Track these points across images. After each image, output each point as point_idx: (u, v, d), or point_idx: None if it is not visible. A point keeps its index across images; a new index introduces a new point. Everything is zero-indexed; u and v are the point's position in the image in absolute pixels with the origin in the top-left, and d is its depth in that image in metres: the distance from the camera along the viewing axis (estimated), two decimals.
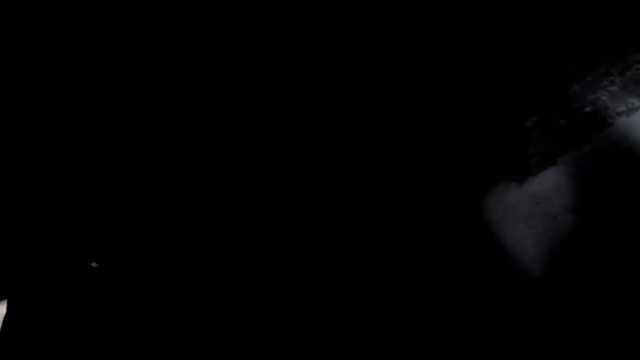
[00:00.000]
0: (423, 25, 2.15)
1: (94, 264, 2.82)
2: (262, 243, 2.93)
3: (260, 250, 2.93)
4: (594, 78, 1.99)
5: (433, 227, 2.38)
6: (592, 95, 2.01)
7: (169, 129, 2.69)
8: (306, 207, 2.83)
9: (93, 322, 2.66)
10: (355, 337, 2.38)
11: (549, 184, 2.09)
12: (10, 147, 2.66)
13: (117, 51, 2.31)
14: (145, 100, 2.53)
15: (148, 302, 2.87)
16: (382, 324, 2.31)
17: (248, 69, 2.42)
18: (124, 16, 2.14)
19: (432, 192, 2.46)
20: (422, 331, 2.19)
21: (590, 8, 1.87)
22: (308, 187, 2.85)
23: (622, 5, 1.80)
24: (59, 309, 2.51)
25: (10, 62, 2.34)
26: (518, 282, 1.98)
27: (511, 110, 2.19)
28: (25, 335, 2.39)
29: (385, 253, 2.46)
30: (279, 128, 2.71)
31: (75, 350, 2.53)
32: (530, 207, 2.08)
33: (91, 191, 2.92)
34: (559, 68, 1.99)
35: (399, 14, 2.13)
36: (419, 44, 2.23)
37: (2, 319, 2.88)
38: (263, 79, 2.46)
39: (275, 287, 2.74)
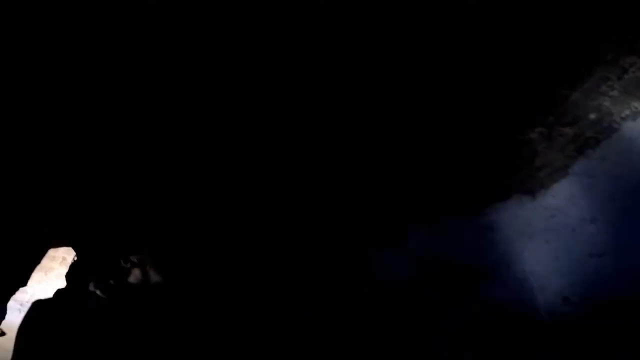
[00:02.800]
0: (423, 44, 2.20)
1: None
2: (261, 242, 2.88)
3: (260, 249, 2.87)
4: (592, 84, 1.98)
5: (446, 246, 2.32)
6: (594, 101, 1.98)
7: (169, 129, 2.70)
8: (308, 205, 2.77)
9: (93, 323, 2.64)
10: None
11: (563, 196, 2.04)
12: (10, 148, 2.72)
13: (117, 53, 2.31)
14: (146, 101, 2.55)
15: (148, 304, 2.84)
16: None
17: (247, 69, 2.39)
18: (125, 18, 2.16)
19: (446, 210, 2.41)
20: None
21: (578, 14, 1.87)
22: (310, 185, 2.79)
23: (609, 9, 1.80)
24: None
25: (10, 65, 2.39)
26: (538, 301, 1.88)
27: (514, 122, 2.15)
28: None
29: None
30: (277, 128, 2.66)
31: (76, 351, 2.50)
32: (546, 221, 2.02)
33: (90, 191, 2.97)
34: (553, 76, 1.98)
35: (400, 21, 2.11)
36: (420, 61, 2.24)
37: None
38: (262, 79, 2.43)
39: (275, 287, 2.66)
